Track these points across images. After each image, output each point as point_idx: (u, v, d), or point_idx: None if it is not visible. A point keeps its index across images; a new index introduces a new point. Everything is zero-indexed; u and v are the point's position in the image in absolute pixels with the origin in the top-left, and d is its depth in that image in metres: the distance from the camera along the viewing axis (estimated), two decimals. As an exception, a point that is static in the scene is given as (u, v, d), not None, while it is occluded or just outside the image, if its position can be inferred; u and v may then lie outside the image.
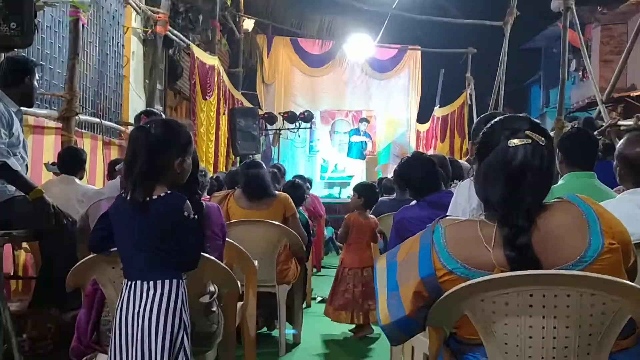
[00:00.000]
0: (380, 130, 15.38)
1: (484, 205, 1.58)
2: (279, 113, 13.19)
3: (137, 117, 3.28)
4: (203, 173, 3.42)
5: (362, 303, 4.71)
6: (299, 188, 5.09)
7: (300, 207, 5.14)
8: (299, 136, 13.71)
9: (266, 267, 4.12)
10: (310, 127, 14.28)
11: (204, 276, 2.38)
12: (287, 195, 4.35)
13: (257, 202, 4.22)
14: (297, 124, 13.08)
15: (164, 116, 3.67)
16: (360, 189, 4.98)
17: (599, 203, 1.58)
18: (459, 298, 1.50)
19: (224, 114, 10.11)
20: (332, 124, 15.36)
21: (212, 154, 9.41)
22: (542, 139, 1.55)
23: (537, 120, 1.63)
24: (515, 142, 1.53)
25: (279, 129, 13.13)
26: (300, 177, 6.86)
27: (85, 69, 6.44)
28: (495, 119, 1.65)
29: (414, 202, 3.31)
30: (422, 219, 2.70)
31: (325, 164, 14.92)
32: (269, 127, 13.15)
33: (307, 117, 13.14)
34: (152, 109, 3.88)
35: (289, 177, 7.33)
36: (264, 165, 4.48)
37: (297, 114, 12.96)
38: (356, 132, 14.19)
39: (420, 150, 13.98)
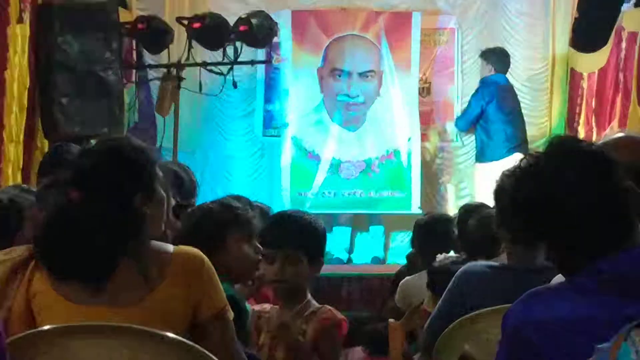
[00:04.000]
0: (471, 68, 11.33)
1: None
2: (179, 20, 9.78)
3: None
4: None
5: None
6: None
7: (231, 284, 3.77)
8: (234, 87, 10.07)
9: None
10: (269, 61, 11.13)
11: None
12: (200, 254, 3.01)
13: (113, 286, 3.01)
14: (231, 50, 9.83)
15: None
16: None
17: None
18: None
19: (19, 21, 8.46)
20: (329, 50, 11.12)
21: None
22: None
23: None
24: None
25: (177, 66, 9.80)
26: (237, 198, 4.46)
27: None
28: None
29: (558, 278, 2.57)
30: (578, 323, 2.10)
31: (303, 158, 11.18)
32: (148, 60, 10.34)
33: (258, 31, 9.63)
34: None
35: (208, 195, 5.97)
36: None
37: (232, 24, 9.45)
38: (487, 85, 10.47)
39: (582, 130, 10.75)
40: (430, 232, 6.25)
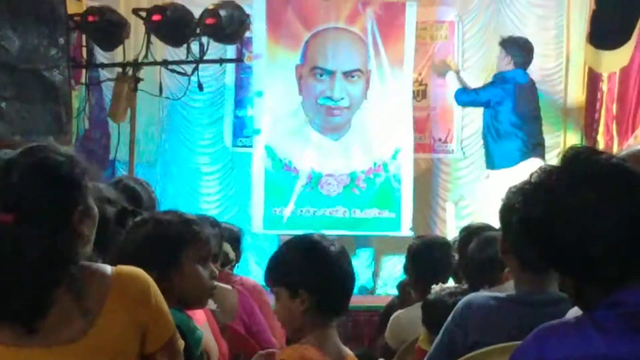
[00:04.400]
0: (474, 68, 11.26)
1: None
2: (136, 11, 9.50)
3: None
4: None
5: None
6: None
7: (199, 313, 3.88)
8: (200, 89, 9.77)
9: None
10: (240, 59, 11.07)
11: None
12: (144, 275, 2.99)
13: (48, 322, 2.92)
14: (197, 47, 9.45)
15: None
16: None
17: None
18: None
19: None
20: (309, 46, 10.88)
21: None
22: None
23: None
24: None
25: (133, 65, 9.53)
26: (203, 219, 4.31)
27: None
28: None
29: (574, 311, 2.58)
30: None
31: (278, 170, 10.91)
32: (100, 58, 10.21)
33: (227, 25, 9.24)
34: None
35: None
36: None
37: (197, 16, 9.12)
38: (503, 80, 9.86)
39: (601, 139, 10.88)
40: (425, 258, 5.76)
